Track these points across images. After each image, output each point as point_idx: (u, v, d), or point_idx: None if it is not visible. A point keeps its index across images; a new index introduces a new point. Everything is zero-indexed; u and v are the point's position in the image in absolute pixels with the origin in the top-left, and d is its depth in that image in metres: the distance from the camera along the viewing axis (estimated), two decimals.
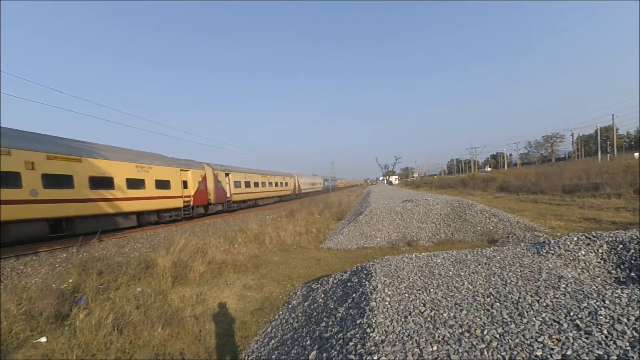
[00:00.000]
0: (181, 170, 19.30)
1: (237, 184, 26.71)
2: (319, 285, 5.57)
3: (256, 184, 30.85)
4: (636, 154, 37.54)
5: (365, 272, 4.72)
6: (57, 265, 8.58)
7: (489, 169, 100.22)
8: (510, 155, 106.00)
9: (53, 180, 11.74)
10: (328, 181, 71.07)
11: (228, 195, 25.25)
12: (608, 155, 51.19)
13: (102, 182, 13.80)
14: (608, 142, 67.32)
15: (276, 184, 36.81)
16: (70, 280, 6.69)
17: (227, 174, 25.20)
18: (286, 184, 40.70)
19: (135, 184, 15.62)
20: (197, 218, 21.10)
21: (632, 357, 2.06)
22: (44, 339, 4.41)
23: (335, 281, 5.26)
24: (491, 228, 9.66)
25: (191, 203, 20.03)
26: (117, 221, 14.71)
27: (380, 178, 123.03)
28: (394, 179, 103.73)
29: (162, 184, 17.49)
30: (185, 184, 19.53)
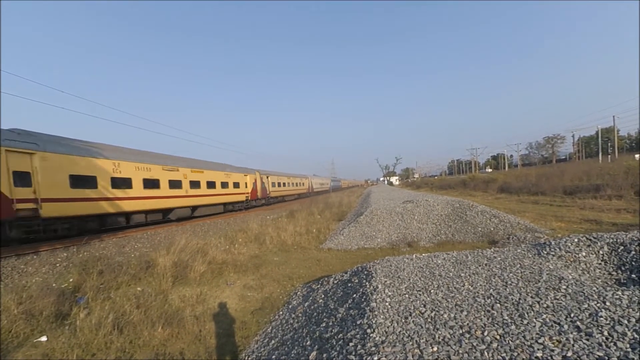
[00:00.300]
0: (244, 175, 28.04)
1: (273, 184, 35.75)
2: (319, 286, 5.57)
3: (284, 184, 40.02)
4: (637, 156, 37.46)
5: (365, 272, 4.72)
6: (57, 265, 8.59)
7: (490, 170, 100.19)
8: (511, 156, 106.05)
9: (192, 185, 20.30)
10: (333, 182, 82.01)
11: (268, 192, 34.13)
12: (609, 156, 51.14)
13: (210, 185, 22.43)
14: (609, 144, 67.26)
15: (296, 184, 45.73)
16: (71, 280, 6.70)
17: (267, 177, 33.94)
18: (303, 184, 49.85)
19: (224, 185, 24.35)
20: (252, 208, 29.66)
21: (633, 359, 2.06)
22: (44, 338, 4.42)
23: (335, 282, 5.26)
24: (492, 229, 9.65)
25: (249, 198, 28.88)
26: (216, 209, 23.45)
27: (381, 179, 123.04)
28: (394, 179, 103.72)
29: (236, 185, 26.21)
30: (245, 185, 28.20)
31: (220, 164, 25.35)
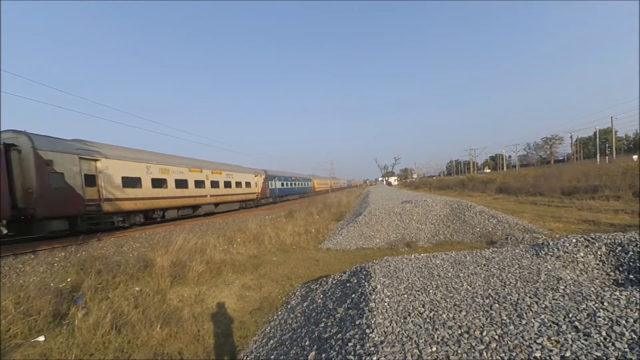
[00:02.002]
0: (254, 175, 31.15)
1: (318, 184, 48.09)
2: (318, 286, 5.57)
3: (290, 184, 44.30)
4: (635, 157, 37.64)
5: (364, 272, 4.72)
6: (55, 264, 8.57)
7: (488, 171, 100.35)
8: (509, 156, 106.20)
9: (213, 184, 22.90)
10: (347, 182, 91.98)
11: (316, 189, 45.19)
12: (607, 157, 51.32)
13: (227, 184, 25.03)
14: (607, 145, 67.49)
15: (301, 184, 50.19)
16: (69, 279, 6.68)
17: (275, 177, 38.41)
18: (307, 184, 54.70)
19: (238, 184, 27.17)
20: (261, 206, 32.66)
21: (631, 359, 2.07)
22: (42, 338, 4.40)
23: (334, 282, 5.26)
24: (490, 229, 9.67)
25: (259, 196, 32.12)
26: (233, 205, 26.59)
27: (380, 179, 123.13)
28: (393, 179, 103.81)
29: (248, 185, 29.31)
30: (255, 184, 31.11)
31: (235, 166, 28.86)
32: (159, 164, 17.82)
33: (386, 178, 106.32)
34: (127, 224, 15.63)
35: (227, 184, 25.03)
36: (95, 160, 13.93)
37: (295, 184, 45.75)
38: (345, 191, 58.78)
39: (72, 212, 12.60)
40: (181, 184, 19.30)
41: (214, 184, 23.07)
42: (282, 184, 40.43)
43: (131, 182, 15.72)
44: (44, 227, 11.71)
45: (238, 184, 27.03)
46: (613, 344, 2.24)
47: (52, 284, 6.21)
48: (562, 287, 3.31)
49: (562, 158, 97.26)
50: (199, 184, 21.20)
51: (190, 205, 20.46)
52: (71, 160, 12.81)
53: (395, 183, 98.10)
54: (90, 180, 13.55)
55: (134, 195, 15.86)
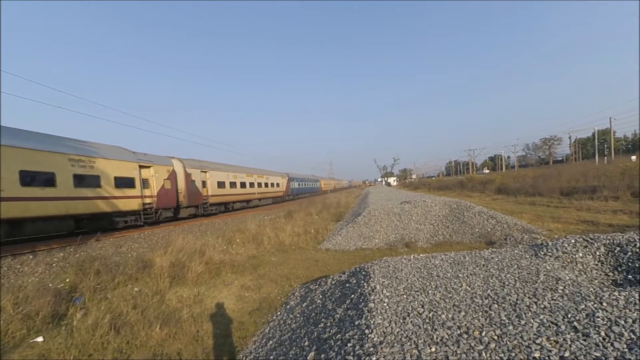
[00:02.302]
0: (281, 177, 40.92)
1: (325, 184, 57.60)
2: (317, 286, 5.56)
3: (304, 184, 54.03)
4: (633, 157, 37.75)
5: (363, 273, 4.72)
6: (54, 265, 8.54)
7: (487, 171, 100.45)
8: (508, 157, 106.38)
9: (258, 185, 31.83)
10: (331, 182, 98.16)
11: (323, 188, 56.37)
12: (605, 158, 51.45)
13: (266, 184, 33.93)
14: (605, 145, 67.64)
15: (311, 184, 60.12)
16: (67, 280, 6.66)
17: (294, 179, 47.72)
18: (316, 184, 64.54)
19: (272, 185, 36.47)
20: (285, 202, 40.79)
21: (630, 359, 2.07)
22: (40, 339, 4.39)
23: (333, 282, 5.26)
24: (489, 230, 9.68)
25: (284, 194, 41.77)
26: (268, 201, 35.45)
27: (379, 179, 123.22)
28: (392, 180, 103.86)
29: (278, 185, 38.94)
30: (278, 185, 39.50)
31: (269, 171, 38.55)
32: (233, 172, 27.00)
33: (385, 178, 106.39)
34: (217, 211, 24.41)
35: (266, 185, 35.07)
36: (206, 172, 22.80)
37: (307, 184, 55.29)
38: (344, 191, 59.06)
39: (198, 203, 21.41)
40: (243, 185, 28.69)
41: (259, 185, 32.91)
42: (298, 185, 49.76)
43: (221, 185, 24.59)
44: (185, 212, 20.10)
45: (272, 185, 36.99)
46: (612, 344, 2.25)
47: (50, 285, 6.19)
48: (561, 288, 3.31)
49: (560, 159, 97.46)
50: (252, 185, 30.85)
51: (246, 200, 30.10)
52: (197, 173, 21.58)
53: (395, 183, 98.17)
54: (204, 184, 22.40)
55: (221, 193, 24.68)
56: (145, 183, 16.92)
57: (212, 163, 24.84)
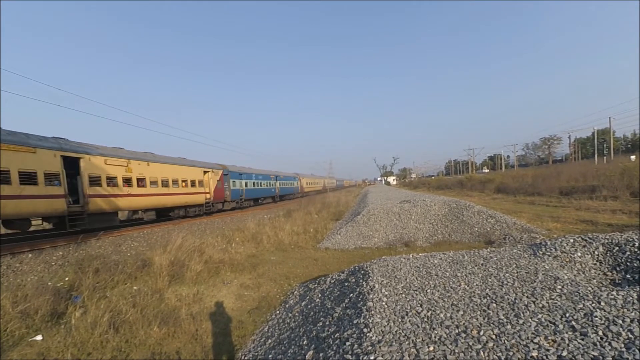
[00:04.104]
0: (300, 178, 51.26)
1: (308, 183, 57.46)
2: (316, 285, 5.57)
3: (313, 184, 61.55)
4: (633, 157, 37.77)
5: (362, 272, 4.72)
6: (53, 263, 8.54)
7: (487, 171, 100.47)
8: (508, 157, 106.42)
9: (308, 184, 58.64)
10: (339, 182, 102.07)
11: (305, 190, 55.13)
12: (605, 157, 51.47)
13: (314, 183, 62.73)
14: (605, 145, 67.67)
15: (316, 184, 65.27)
16: (67, 279, 6.66)
17: (300, 179, 52.69)
18: (321, 184, 69.92)
19: (314, 184, 62.24)
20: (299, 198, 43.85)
21: (627, 359, 2.08)
22: (39, 337, 4.39)
23: (332, 281, 5.26)
24: (488, 229, 9.69)
25: (302, 191, 50.91)
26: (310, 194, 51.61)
27: (379, 179, 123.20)
28: (391, 179, 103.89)
29: (290, 183, 47.00)
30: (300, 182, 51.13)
31: (303, 174, 54.20)
32: (306, 177, 51.39)
33: (385, 178, 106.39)
34: (249, 205, 31.54)
35: (315, 183, 52.34)
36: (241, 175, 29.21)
37: (271, 184, 38.05)
38: (343, 191, 59.08)
39: (236, 199, 27.64)
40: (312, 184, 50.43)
41: (310, 184, 51.45)
42: (254, 184, 32.45)
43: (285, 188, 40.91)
44: (228, 205, 25.98)
45: (311, 184, 55.86)
46: (610, 344, 2.25)
47: (50, 283, 6.20)
48: (560, 287, 3.32)
49: (560, 158, 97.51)
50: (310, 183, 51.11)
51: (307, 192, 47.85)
52: (233, 177, 27.39)
53: (394, 183, 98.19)
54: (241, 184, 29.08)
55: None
56: (206, 184, 22.94)
57: (241, 167, 30.99)
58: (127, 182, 15.53)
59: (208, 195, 22.89)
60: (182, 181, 19.77)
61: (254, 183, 32.25)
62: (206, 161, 23.93)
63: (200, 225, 16.51)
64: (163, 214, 19.46)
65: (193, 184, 21.03)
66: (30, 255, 9.41)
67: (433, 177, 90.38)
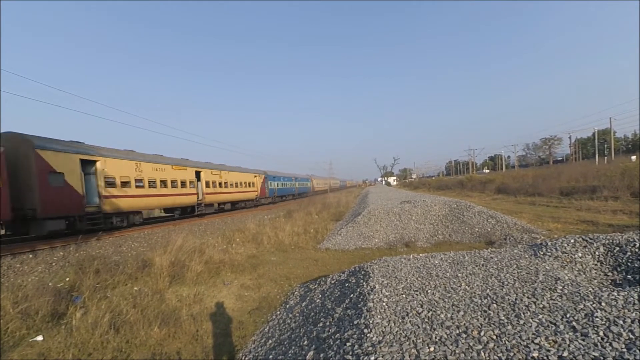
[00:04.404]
0: (312, 179, 61.92)
1: (317, 184, 65.76)
2: (316, 286, 5.57)
3: (322, 184, 70.08)
4: (633, 157, 37.72)
5: (362, 272, 4.72)
6: (53, 264, 8.55)
7: (487, 171, 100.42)
8: (508, 157, 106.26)
9: (318, 184, 69.95)
10: (342, 182, 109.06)
11: (316, 189, 63.19)
12: (605, 158, 51.43)
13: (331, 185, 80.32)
14: (605, 145, 67.62)
15: (324, 184, 73.47)
16: (67, 279, 6.67)
17: (312, 180, 61.49)
18: (327, 184, 77.27)
19: (323, 184, 72.44)
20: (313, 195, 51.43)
21: (628, 359, 2.07)
22: (40, 338, 4.39)
23: (332, 282, 5.26)
24: (489, 230, 9.68)
25: (314, 190, 60.52)
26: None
27: (379, 179, 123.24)
28: (392, 180, 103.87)
29: (305, 184, 57.86)
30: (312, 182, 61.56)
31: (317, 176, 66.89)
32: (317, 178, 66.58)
33: (385, 178, 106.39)
34: (278, 200, 39.49)
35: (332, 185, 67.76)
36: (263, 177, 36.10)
37: (292, 184, 52.37)
38: (344, 191, 59.16)
39: (271, 196, 36.58)
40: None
41: (321, 184, 65.13)
42: (282, 185, 47.12)
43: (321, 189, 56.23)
44: (267, 200, 35.37)
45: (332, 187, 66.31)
46: (610, 344, 2.25)
47: (50, 284, 6.20)
48: (560, 288, 3.31)
49: (561, 159, 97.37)
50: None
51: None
52: (270, 179, 36.26)
53: (394, 183, 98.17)
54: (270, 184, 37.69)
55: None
56: (255, 185, 32.18)
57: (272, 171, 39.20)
58: (221, 185, 25.30)
59: (257, 193, 32.83)
60: (243, 183, 29.33)
61: (282, 184, 43.03)
62: (257, 168, 35.28)
63: (201, 225, 16.52)
64: (234, 206, 28.56)
65: (248, 185, 30.64)
66: (30, 255, 9.42)
67: (433, 178, 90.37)
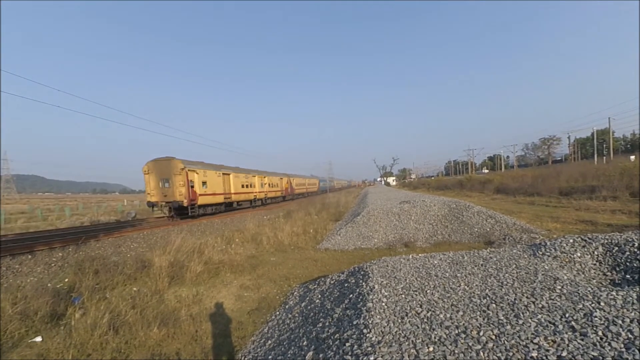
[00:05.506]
0: (318, 181, 65.50)
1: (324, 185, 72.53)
2: (316, 286, 5.57)
3: (336, 184, 78.62)
4: (632, 157, 37.81)
5: (362, 272, 4.72)
6: (52, 265, 8.54)
7: (486, 171, 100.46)
8: (508, 157, 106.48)
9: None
10: (347, 183, 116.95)
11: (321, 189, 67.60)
12: (604, 158, 51.52)
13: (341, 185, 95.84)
14: (604, 145, 67.75)
15: (338, 183, 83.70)
16: (66, 280, 6.66)
17: (319, 181, 66.21)
18: (335, 184, 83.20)
19: (336, 184, 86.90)
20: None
21: (627, 359, 2.08)
22: (39, 339, 4.39)
23: (332, 282, 5.26)
24: (488, 230, 9.69)
25: (317, 189, 63.78)
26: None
27: (378, 179, 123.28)
28: (391, 180, 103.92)
29: (323, 183, 69.31)
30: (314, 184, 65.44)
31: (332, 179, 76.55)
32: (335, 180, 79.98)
33: (385, 178, 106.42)
34: (297, 198, 45.40)
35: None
36: (292, 178, 45.55)
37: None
38: (343, 192, 59.00)
39: (292, 194, 44.92)
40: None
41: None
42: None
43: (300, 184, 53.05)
44: (289, 197, 42.46)
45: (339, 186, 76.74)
46: (609, 344, 2.25)
47: (49, 284, 6.19)
48: (559, 287, 3.32)
49: (560, 158, 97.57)
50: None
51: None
52: (288, 179, 43.09)
53: (394, 183, 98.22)
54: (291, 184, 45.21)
55: (298, 187, 49.25)
56: (281, 185, 38.90)
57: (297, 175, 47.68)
58: (268, 185, 34.37)
59: (282, 192, 39.89)
60: (273, 184, 36.34)
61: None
62: (285, 172, 43.13)
63: (200, 226, 16.50)
64: (265, 201, 33.96)
65: (276, 185, 37.67)
66: (30, 256, 9.40)
67: (433, 178, 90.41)
